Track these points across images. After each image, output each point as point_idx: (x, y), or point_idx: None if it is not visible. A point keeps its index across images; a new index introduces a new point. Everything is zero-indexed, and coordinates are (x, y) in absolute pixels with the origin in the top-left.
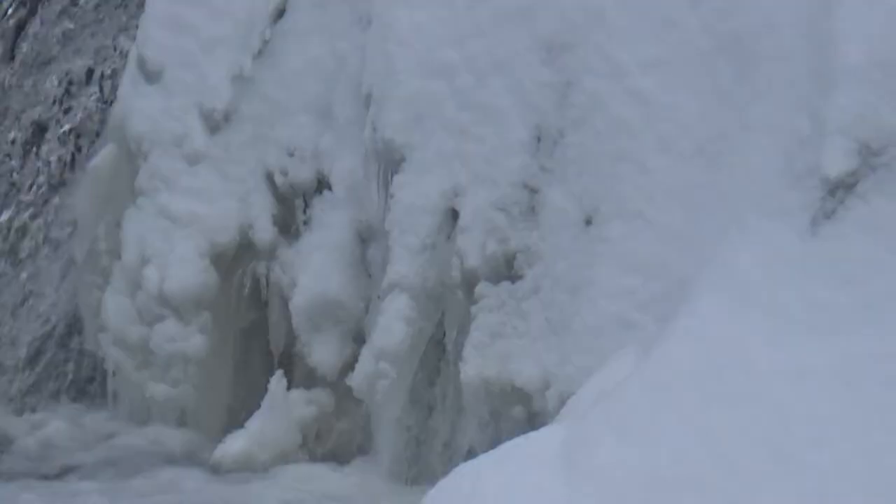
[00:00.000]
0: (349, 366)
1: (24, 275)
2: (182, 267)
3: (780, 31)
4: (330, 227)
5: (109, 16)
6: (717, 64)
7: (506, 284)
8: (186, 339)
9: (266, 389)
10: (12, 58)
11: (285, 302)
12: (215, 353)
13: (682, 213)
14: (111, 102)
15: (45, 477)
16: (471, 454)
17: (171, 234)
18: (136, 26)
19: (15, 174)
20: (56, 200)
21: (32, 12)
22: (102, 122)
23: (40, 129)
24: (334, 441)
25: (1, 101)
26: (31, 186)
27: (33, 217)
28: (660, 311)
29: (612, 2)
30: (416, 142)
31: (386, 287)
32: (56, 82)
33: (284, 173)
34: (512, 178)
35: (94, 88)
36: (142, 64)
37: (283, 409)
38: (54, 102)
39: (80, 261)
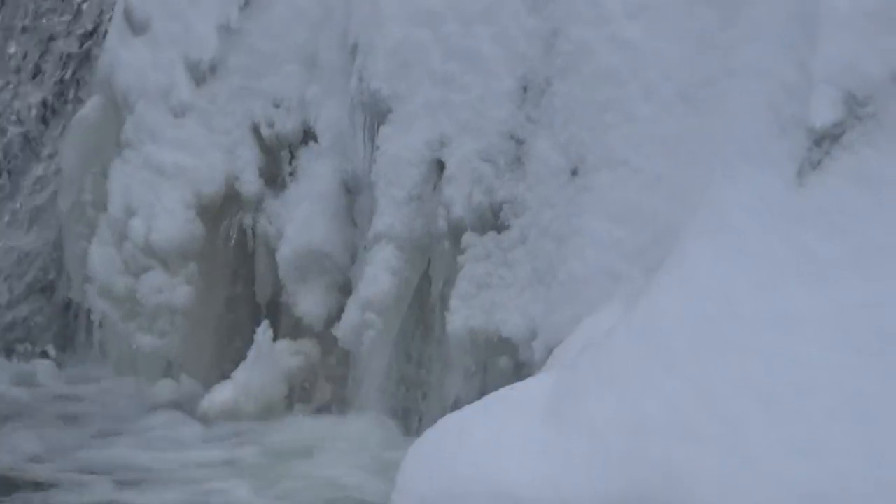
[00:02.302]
0: (335, 316)
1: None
2: (168, 218)
3: None
4: (316, 177)
5: None
6: (702, 9)
7: (492, 235)
8: (173, 289)
9: (252, 340)
10: None
11: (272, 253)
12: (202, 304)
13: (669, 161)
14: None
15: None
16: (457, 405)
17: (158, 185)
18: None
19: None
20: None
21: None
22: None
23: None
24: (320, 391)
25: None
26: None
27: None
28: (647, 260)
29: None
30: (402, 92)
31: (372, 237)
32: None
33: (270, 124)
34: (498, 128)
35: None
36: (128, 15)
37: (269, 359)
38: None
39: (65, 211)
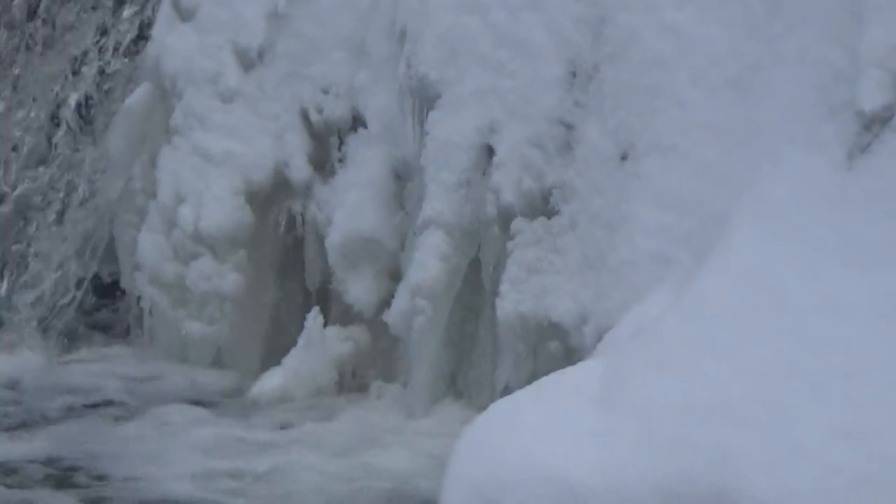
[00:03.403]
0: (385, 302)
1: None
2: (217, 205)
3: None
4: (365, 164)
5: None
6: None
7: (542, 220)
8: (222, 276)
9: (302, 327)
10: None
11: (321, 239)
12: (251, 292)
13: (717, 146)
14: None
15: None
16: (507, 390)
17: (206, 172)
18: None
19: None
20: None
21: None
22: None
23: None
24: (371, 378)
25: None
26: None
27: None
28: (695, 246)
29: None
30: (450, 78)
31: (421, 223)
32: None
33: (319, 111)
34: (547, 114)
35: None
36: (176, 2)
37: (319, 345)
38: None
39: (114, 200)
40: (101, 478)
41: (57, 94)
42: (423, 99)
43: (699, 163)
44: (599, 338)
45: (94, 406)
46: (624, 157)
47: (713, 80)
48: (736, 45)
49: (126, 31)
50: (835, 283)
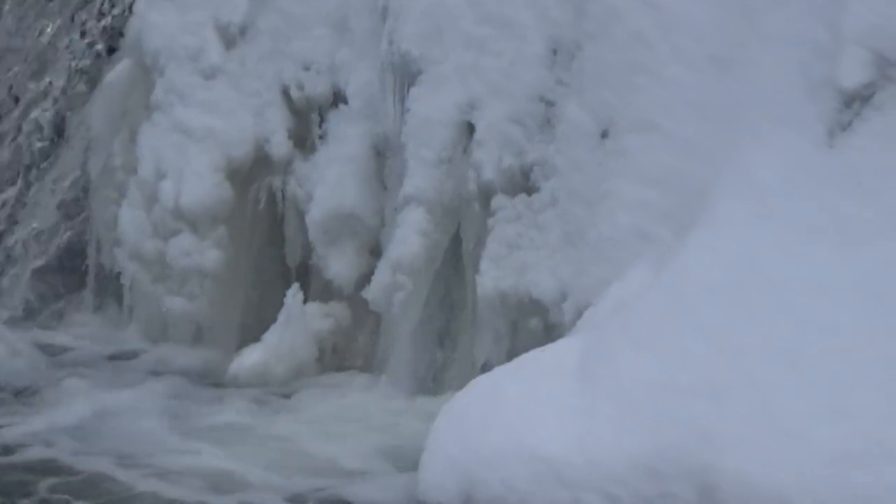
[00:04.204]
0: (365, 279)
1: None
2: (198, 181)
3: None
4: (346, 140)
5: None
6: None
7: (522, 197)
8: (202, 253)
9: (282, 303)
10: None
11: (301, 216)
12: (231, 268)
13: (699, 123)
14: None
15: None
16: (487, 367)
17: (187, 148)
18: None
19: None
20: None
21: None
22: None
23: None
24: (351, 354)
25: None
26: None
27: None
28: (677, 223)
29: None
30: (432, 55)
31: (402, 200)
32: None
33: (300, 87)
34: (528, 91)
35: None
36: None
37: (299, 322)
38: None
39: (95, 176)
40: None
41: None
42: (405, 75)
43: (681, 140)
44: (579, 314)
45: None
46: (605, 134)
47: (695, 57)
48: (718, 22)
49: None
50: (816, 260)
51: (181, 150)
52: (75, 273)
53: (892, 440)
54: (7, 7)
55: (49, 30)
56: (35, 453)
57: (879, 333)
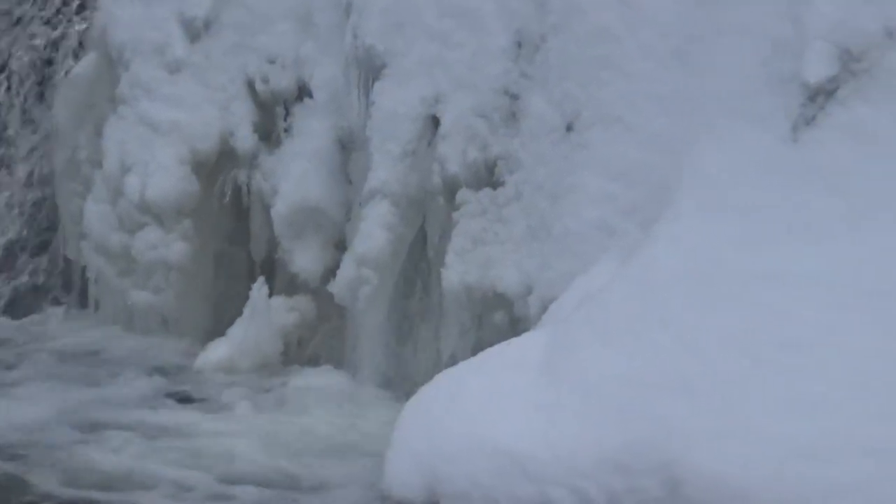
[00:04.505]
0: (331, 272)
1: None
2: (163, 174)
3: None
4: (311, 134)
5: None
6: None
7: (487, 191)
8: (168, 246)
9: (248, 297)
10: None
11: (266, 209)
12: (197, 261)
13: (663, 118)
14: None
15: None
16: (452, 360)
17: (152, 142)
18: None
19: None
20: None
21: None
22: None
23: None
24: (316, 348)
25: None
26: None
27: None
28: (641, 217)
29: None
30: (396, 48)
31: (367, 194)
32: None
33: (265, 81)
34: (493, 85)
35: None
36: None
37: (264, 316)
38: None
39: (60, 169)
40: None
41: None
42: (369, 69)
43: (645, 134)
44: (544, 308)
45: None
46: (569, 128)
47: (659, 52)
48: (682, 17)
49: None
50: (779, 254)
51: (147, 144)
52: (41, 266)
53: (856, 434)
54: None
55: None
56: None
57: (840, 326)
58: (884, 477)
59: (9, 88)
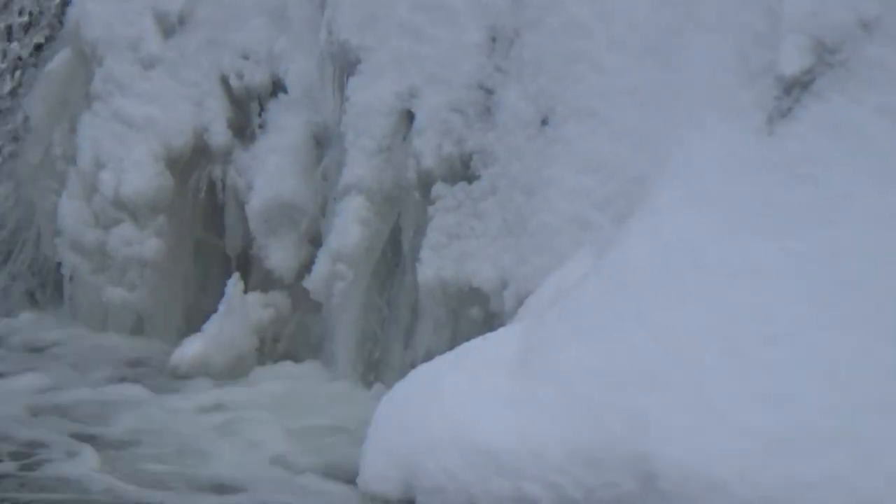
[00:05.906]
0: (306, 268)
1: None
2: (137, 171)
3: None
4: (285, 129)
5: None
6: None
7: (462, 185)
8: (142, 242)
9: (223, 293)
10: None
11: (241, 205)
12: (171, 257)
13: (638, 111)
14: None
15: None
16: (428, 356)
17: (127, 138)
18: None
19: None
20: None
21: None
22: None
23: None
24: (291, 343)
25: None
26: None
27: None
28: (616, 211)
29: None
30: (370, 44)
31: (342, 189)
32: None
33: (239, 77)
34: (467, 80)
35: None
36: None
37: (240, 312)
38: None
39: (34, 165)
40: None
41: None
42: (343, 65)
43: (620, 128)
44: (520, 303)
45: None
46: (544, 122)
47: (633, 46)
48: (655, 10)
49: None
50: (754, 248)
51: (121, 140)
52: (15, 263)
53: (827, 427)
54: None
55: None
56: None
57: (814, 320)
58: (858, 469)
59: None
